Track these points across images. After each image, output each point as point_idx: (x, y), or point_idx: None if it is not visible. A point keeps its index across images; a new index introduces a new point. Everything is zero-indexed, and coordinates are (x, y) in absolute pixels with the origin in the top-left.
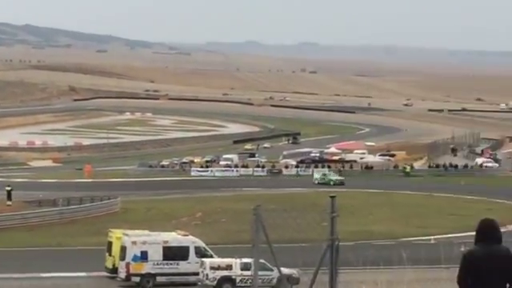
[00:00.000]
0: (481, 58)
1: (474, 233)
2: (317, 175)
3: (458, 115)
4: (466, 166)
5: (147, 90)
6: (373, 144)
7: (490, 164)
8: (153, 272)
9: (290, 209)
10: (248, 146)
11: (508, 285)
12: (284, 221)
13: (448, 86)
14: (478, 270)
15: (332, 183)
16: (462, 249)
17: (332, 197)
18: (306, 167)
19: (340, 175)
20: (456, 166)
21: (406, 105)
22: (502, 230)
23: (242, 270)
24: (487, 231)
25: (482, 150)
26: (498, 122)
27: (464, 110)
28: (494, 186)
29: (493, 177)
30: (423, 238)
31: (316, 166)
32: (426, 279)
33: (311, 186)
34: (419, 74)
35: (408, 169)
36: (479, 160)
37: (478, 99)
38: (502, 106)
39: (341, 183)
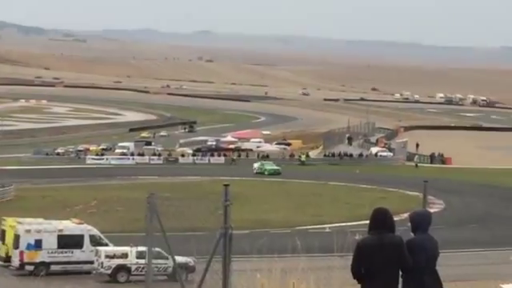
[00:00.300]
0: (377, 49)
1: (367, 221)
2: (256, 165)
3: (353, 105)
4: (360, 155)
5: (39, 77)
6: (269, 133)
7: (384, 153)
8: (47, 260)
9: (186, 197)
10: (144, 134)
11: (401, 273)
12: (178, 209)
13: (344, 76)
14: (371, 258)
15: (266, 173)
16: (357, 237)
17: (225, 185)
18: (203, 156)
19: (277, 165)
20: (351, 155)
21: (304, 94)
22: (396, 218)
23: (137, 258)
24: (380, 220)
25: (377, 140)
26: (393, 111)
27: (362, 99)
28: (388, 175)
29: (387, 166)
30: (318, 226)
31: (212, 155)
32: (319, 267)
33: (206, 174)
34: (315, 64)
35: (303, 157)
36: (374, 149)
37: (374, 89)
38: (397, 95)
39: (275, 173)
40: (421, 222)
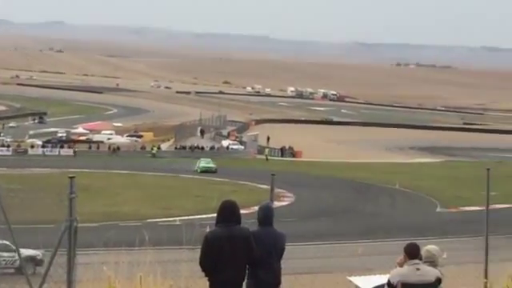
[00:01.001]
0: (224, 42)
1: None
2: (198, 161)
3: (205, 97)
4: (212, 148)
5: None
6: (120, 125)
7: (235, 146)
8: None
9: (32, 189)
10: None
11: (248, 265)
12: (24, 201)
13: (196, 69)
14: (219, 250)
15: (199, 170)
16: (207, 230)
17: (71, 177)
18: (53, 147)
19: (213, 162)
20: (202, 148)
21: (166, 87)
22: (246, 211)
23: None
24: (228, 212)
25: (229, 133)
26: (245, 105)
27: (221, 92)
28: (239, 168)
29: (238, 159)
30: (169, 219)
31: (62, 146)
32: (167, 260)
33: (56, 166)
34: (167, 56)
35: (155, 150)
36: (225, 142)
37: (226, 82)
38: (249, 89)
39: (207, 171)
40: (263, 215)
